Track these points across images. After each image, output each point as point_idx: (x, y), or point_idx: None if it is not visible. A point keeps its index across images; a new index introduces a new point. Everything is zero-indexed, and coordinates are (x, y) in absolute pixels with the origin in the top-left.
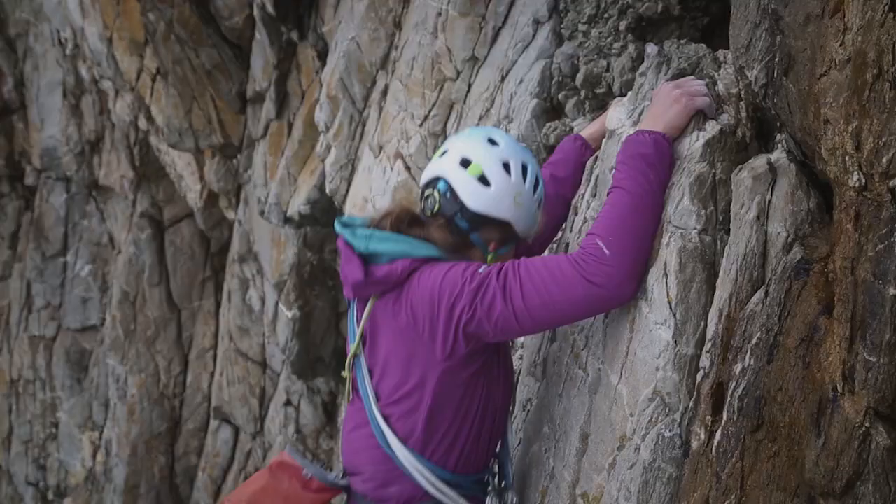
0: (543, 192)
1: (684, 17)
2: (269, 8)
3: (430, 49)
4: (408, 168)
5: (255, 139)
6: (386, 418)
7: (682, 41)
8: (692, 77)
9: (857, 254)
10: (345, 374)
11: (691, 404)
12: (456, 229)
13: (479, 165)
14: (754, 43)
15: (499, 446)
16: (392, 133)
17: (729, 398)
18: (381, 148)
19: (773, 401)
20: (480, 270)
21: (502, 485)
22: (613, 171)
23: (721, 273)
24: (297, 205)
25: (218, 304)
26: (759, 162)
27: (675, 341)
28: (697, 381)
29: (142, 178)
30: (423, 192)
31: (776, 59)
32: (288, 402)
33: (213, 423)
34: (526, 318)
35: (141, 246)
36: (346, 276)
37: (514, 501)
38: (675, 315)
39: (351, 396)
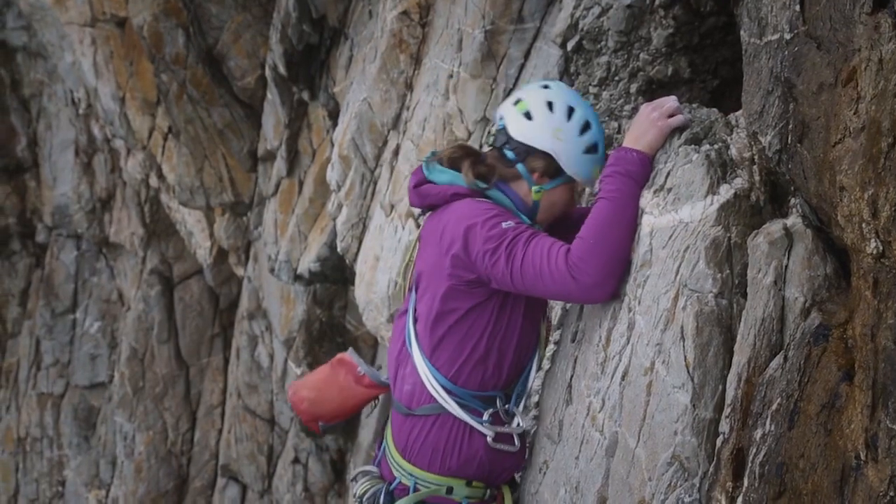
0: (598, 140)
1: (694, 79)
2: (281, 69)
3: (441, 110)
4: (419, 227)
5: (265, 197)
6: (415, 321)
7: (693, 105)
8: (671, 97)
9: (876, 321)
10: (400, 280)
11: (711, 469)
12: (505, 159)
13: (526, 103)
14: (767, 109)
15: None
16: (403, 192)
17: (750, 464)
18: (392, 207)
19: (795, 468)
20: (504, 225)
21: (505, 408)
22: (601, 181)
23: (739, 338)
24: (308, 262)
25: (226, 361)
26: (775, 227)
27: (694, 405)
28: (717, 446)
29: (152, 235)
30: None
31: (790, 126)
32: (296, 460)
33: (221, 481)
34: (519, 283)
35: (150, 302)
36: (410, 197)
37: (520, 424)
38: (692, 379)
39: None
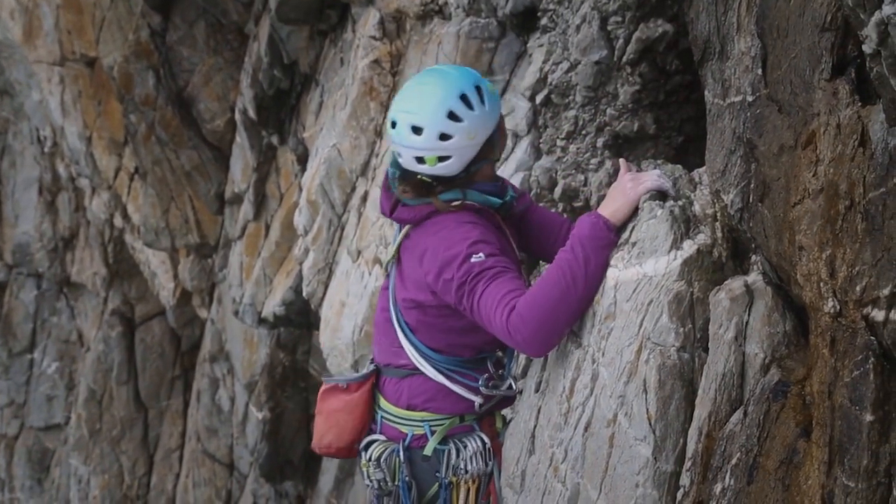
0: (451, 107)
1: (659, 135)
2: (251, 112)
3: None
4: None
5: (231, 239)
6: (396, 303)
7: (658, 161)
8: (654, 172)
9: (833, 379)
10: (385, 260)
11: None
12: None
13: (396, 158)
14: (730, 168)
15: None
16: (371, 239)
17: None
18: (359, 253)
19: None
20: (473, 259)
21: (500, 373)
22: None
23: (700, 392)
24: (272, 306)
25: (186, 404)
26: (736, 284)
27: (655, 458)
28: (678, 500)
29: (114, 275)
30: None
31: (751, 186)
32: None
33: None
34: (477, 318)
35: (110, 343)
36: (381, 203)
37: (515, 387)
38: (654, 432)
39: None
